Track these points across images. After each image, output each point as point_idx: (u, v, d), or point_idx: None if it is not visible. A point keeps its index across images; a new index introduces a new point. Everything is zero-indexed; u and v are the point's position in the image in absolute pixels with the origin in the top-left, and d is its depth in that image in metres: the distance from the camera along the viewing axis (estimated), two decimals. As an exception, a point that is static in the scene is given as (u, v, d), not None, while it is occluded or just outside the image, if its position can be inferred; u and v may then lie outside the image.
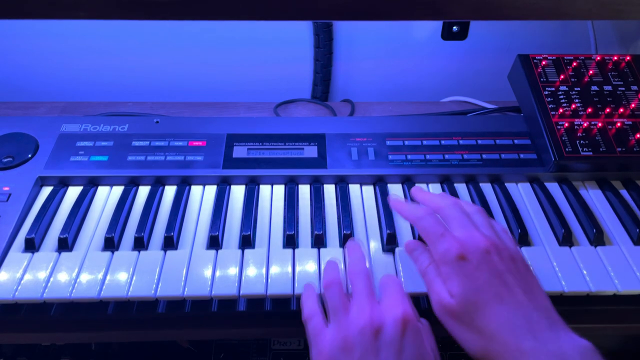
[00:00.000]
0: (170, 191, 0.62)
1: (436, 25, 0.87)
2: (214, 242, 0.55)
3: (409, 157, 0.65)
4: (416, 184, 0.59)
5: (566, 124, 0.64)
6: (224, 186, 0.62)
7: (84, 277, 0.51)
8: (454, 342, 0.46)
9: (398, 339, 0.42)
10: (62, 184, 0.62)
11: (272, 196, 0.62)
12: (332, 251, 0.55)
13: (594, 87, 0.68)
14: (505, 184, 0.64)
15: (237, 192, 0.62)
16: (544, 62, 0.70)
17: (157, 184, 0.63)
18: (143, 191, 0.62)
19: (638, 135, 0.64)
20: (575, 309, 0.53)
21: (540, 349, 0.40)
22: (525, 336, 0.41)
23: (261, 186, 0.63)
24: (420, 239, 0.56)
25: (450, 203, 0.50)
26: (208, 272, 0.52)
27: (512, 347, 0.41)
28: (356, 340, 0.42)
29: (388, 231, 0.56)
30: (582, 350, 0.40)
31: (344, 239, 0.56)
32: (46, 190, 0.62)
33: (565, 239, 0.56)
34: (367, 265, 0.51)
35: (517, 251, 0.48)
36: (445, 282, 0.45)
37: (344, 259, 0.54)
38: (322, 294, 0.49)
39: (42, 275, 0.51)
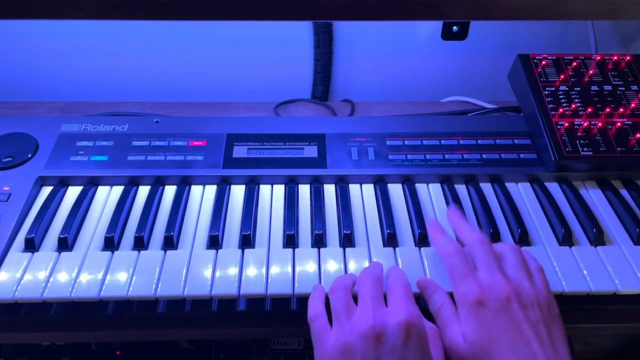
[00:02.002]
0: (170, 191, 0.62)
1: (436, 25, 0.87)
2: (214, 242, 0.55)
3: (409, 156, 0.65)
4: (450, 207, 0.58)
5: (566, 124, 0.64)
6: (224, 186, 0.62)
7: (84, 277, 0.51)
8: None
9: (400, 345, 0.41)
10: (62, 183, 0.62)
11: (272, 196, 0.62)
12: (332, 251, 0.55)
13: (594, 87, 0.68)
14: (505, 183, 0.64)
15: (237, 192, 0.62)
16: (544, 62, 0.70)
17: (157, 184, 0.63)
18: (143, 191, 0.62)
19: (638, 135, 0.64)
20: (575, 309, 0.53)
21: None
22: None
23: (261, 186, 0.63)
24: (421, 239, 0.56)
25: (479, 240, 0.49)
26: (208, 272, 0.52)
27: None
28: (357, 345, 0.42)
29: (388, 231, 0.56)
30: None
31: (344, 239, 0.56)
32: (46, 190, 0.62)
33: (565, 239, 0.56)
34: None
35: (545, 297, 0.46)
36: (461, 326, 0.45)
37: (345, 259, 0.54)
38: (328, 297, 0.48)
39: (42, 275, 0.51)
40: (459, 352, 0.44)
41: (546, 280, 0.48)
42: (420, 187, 0.63)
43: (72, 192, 0.62)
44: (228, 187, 0.63)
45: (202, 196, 0.62)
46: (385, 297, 0.47)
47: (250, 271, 0.52)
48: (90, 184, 0.62)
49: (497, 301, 0.44)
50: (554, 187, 0.64)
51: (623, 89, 0.68)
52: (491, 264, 0.47)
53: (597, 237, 0.56)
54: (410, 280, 0.49)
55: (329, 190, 0.63)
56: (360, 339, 0.42)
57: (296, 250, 0.55)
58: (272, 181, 0.63)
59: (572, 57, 0.71)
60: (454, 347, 0.45)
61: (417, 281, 0.50)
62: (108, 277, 0.51)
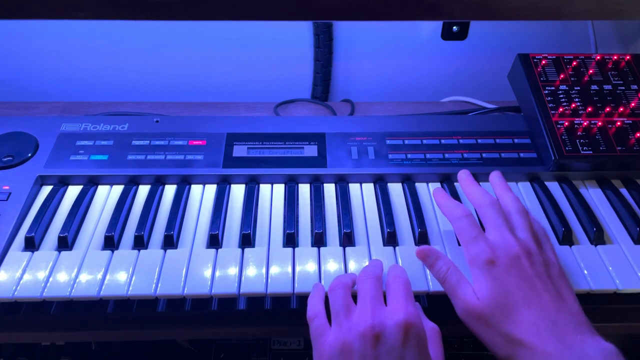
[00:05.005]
0: (170, 190, 0.62)
1: (436, 25, 0.87)
2: (214, 241, 0.55)
3: (409, 156, 0.65)
4: (461, 171, 0.59)
5: (566, 123, 0.64)
6: (224, 185, 0.62)
7: (84, 276, 0.51)
8: (454, 342, 0.46)
9: (398, 346, 0.41)
10: (62, 183, 0.62)
11: (272, 195, 0.62)
12: (332, 250, 0.55)
13: (594, 87, 0.68)
14: (506, 183, 0.64)
15: (237, 191, 0.62)
16: (544, 62, 0.70)
17: (157, 183, 0.63)
18: (143, 190, 0.62)
19: (638, 134, 0.64)
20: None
21: (565, 351, 0.41)
22: (550, 339, 0.41)
23: (261, 185, 0.63)
24: (421, 238, 0.56)
25: (489, 202, 0.51)
26: (208, 271, 0.52)
27: (537, 349, 0.41)
28: (355, 344, 0.42)
29: (388, 230, 0.56)
30: (606, 354, 0.41)
31: (344, 238, 0.55)
32: (46, 189, 0.62)
33: (566, 238, 0.56)
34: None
35: (551, 256, 0.48)
36: (473, 285, 0.46)
37: (345, 258, 0.54)
38: (327, 296, 0.48)
39: (42, 274, 0.51)
40: (475, 310, 0.45)
41: (552, 246, 0.50)
42: (420, 186, 0.63)
43: (72, 191, 0.62)
44: (228, 186, 0.63)
45: (202, 195, 0.62)
46: (385, 296, 0.47)
47: (250, 270, 0.52)
48: (90, 183, 0.62)
49: (508, 259, 0.46)
50: (554, 187, 0.64)
51: (623, 88, 0.68)
52: (501, 225, 0.49)
53: (597, 236, 0.56)
54: (410, 279, 0.49)
55: (329, 189, 0.63)
56: (358, 338, 0.42)
57: (296, 249, 0.55)
58: (272, 180, 0.63)
59: (572, 57, 0.71)
60: (469, 307, 0.45)
61: (416, 251, 0.51)
62: (108, 276, 0.51)
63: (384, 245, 0.56)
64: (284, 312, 0.53)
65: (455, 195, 0.61)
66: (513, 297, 0.44)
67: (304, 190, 0.63)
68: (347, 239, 0.55)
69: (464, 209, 0.51)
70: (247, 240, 0.55)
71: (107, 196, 0.61)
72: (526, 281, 0.45)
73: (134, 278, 0.51)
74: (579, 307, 0.45)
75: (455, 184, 0.63)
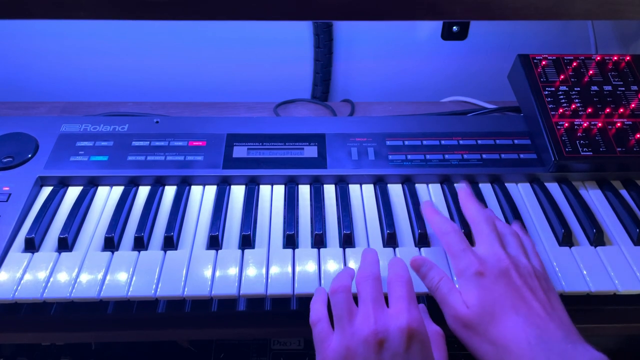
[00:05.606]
0: (170, 191, 0.62)
1: (436, 25, 0.87)
2: (214, 242, 0.55)
3: (409, 157, 0.65)
4: (462, 182, 0.60)
5: (566, 124, 0.64)
6: (224, 186, 0.62)
7: (84, 277, 0.51)
8: (454, 342, 0.46)
9: (402, 352, 0.41)
10: (62, 184, 0.62)
11: (272, 196, 0.62)
12: (332, 251, 0.55)
13: (594, 87, 0.68)
14: (505, 184, 0.64)
15: (237, 192, 0.62)
16: (544, 62, 0.70)
17: (157, 184, 0.63)
18: (143, 191, 0.62)
19: (638, 135, 0.64)
20: (575, 309, 0.53)
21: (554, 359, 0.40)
22: (539, 346, 0.41)
23: (261, 186, 0.63)
24: (421, 239, 0.56)
25: (484, 218, 0.52)
26: (208, 272, 0.52)
27: (526, 357, 0.41)
28: (359, 350, 0.42)
29: (388, 231, 0.56)
30: None
31: (344, 239, 0.56)
32: (46, 190, 0.62)
33: (565, 239, 0.56)
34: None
35: (542, 272, 0.48)
36: (462, 295, 0.46)
37: (345, 260, 0.54)
38: (329, 299, 0.48)
39: (42, 275, 0.51)
40: (463, 318, 0.45)
41: (542, 263, 0.50)
42: (420, 187, 0.63)
43: (72, 192, 0.62)
44: (228, 187, 0.63)
45: (202, 196, 0.62)
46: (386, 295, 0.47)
47: (250, 271, 0.52)
48: (90, 184, 0.62)
49: (497, 270, 0.46)
50: (553, 188, 0.64)
51: (623, 89, 0.68)
52: (493, 240, 0.49)
53: (597, 238, 0.56)
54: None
55: (329, 190, 0.63)
56: (362, 344, 0.42)
57: (296, 250, 0.55)
58: (272, 181, 0.63)
59: (572, 57, 0.71)
60: (458, 314, 0.45)
61: (410, 261, 0.51)
62: (108, 277, 0.51)
63: (384, 246, 0.56)
64: (284, 313, 0.53)
65: (455, 198, 0.61)
66: (502, 305, 0.44)
67: (304, 191, 0.63)
68: (347, 240, 0.55)
69: (452, 224, 0.52)
70: (247, 242, 0.55)
71: (107, 197, 0.61)
72: (515, 291, 0.45)
73: (134, 279, 0.51)
74: (568, 318, 0.45)
75: (455, 184, 0.63)
